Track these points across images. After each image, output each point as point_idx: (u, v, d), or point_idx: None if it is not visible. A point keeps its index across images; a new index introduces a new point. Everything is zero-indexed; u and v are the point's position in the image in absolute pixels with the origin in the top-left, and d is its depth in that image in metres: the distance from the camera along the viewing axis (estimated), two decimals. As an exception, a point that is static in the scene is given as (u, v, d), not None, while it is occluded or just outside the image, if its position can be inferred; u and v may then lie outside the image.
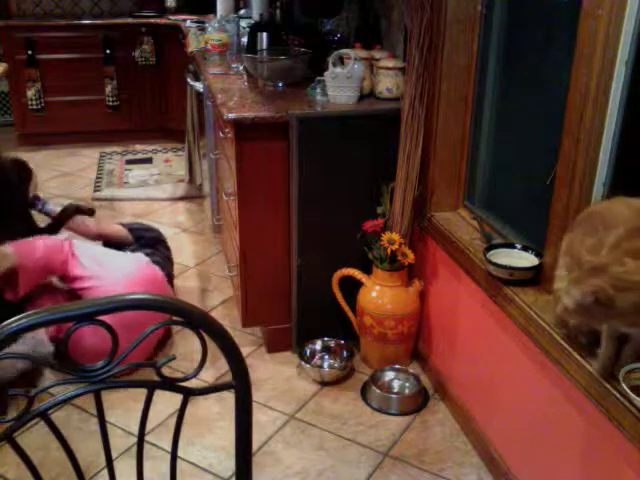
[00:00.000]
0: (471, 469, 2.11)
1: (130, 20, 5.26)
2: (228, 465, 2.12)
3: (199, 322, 0.96)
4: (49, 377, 2.47)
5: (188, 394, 1.03)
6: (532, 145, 2.03)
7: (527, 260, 1.89)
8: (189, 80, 3.87)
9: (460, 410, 2.29)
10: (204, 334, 0.97)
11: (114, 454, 1.08)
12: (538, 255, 1.87)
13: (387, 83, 2.49)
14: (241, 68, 3.12)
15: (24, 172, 2.79)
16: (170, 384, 1.01)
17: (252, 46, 3.15)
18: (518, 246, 1.96)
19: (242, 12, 4.24)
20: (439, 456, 2.16)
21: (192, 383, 1.00)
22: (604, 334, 1.41)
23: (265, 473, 2.10)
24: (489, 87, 2.21)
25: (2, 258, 2.36)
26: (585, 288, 1.23)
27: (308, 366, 2.53)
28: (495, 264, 1.87)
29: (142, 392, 1.02)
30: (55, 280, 2.59)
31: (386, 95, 2.50)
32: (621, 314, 1.26)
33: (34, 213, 2.87)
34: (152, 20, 5.23)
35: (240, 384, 1.02)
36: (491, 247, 1.98)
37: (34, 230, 2.72)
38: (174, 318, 0.96)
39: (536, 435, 1.83)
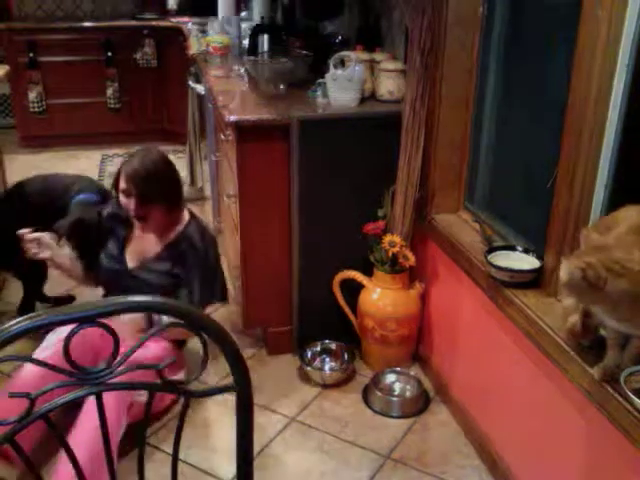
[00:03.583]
0: (472, 471, 2.11)
1: (131, 22, 5.27)
2: (229, 468, 2.11)
3: (200, 325, 0.96)
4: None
5: (189, 396, 1.03)
6: (533, 147, 2.03)
7: (528, 262, 1.89)
8: (190, 82, 3.87)
9: (461, 412, 2.29)
10: (205, 336, 0.97)
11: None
12: (539, 257, 1.87)
13: (388, 85, 2.49)
14: (242, 70, 3.12)
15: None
16: (171, 386, 1.01)
17: (253, 48, 3.16)
18: (519, 248, 1.96)
19: (243, 14, 4.24)
20: (440, 458, 2.16)
21: (193, 385, 1.00)
22: (609, 342, 1.40)
23: (266, 476, 2.09)
24: (490, 89, 2.21)
25: None
26: (576, 263, 1.21)
27: (309, 368, 2.53)
28: (496, 266, 1.87)
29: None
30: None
31: (387, 97, 2.50)
32: (608, 301, 1.23)
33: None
34: (153, 22, 5.24)
35: (241, 386, 1.02)
36: (492, 249, 1.98)
37: None
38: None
39: (537, 437, 1.83)
